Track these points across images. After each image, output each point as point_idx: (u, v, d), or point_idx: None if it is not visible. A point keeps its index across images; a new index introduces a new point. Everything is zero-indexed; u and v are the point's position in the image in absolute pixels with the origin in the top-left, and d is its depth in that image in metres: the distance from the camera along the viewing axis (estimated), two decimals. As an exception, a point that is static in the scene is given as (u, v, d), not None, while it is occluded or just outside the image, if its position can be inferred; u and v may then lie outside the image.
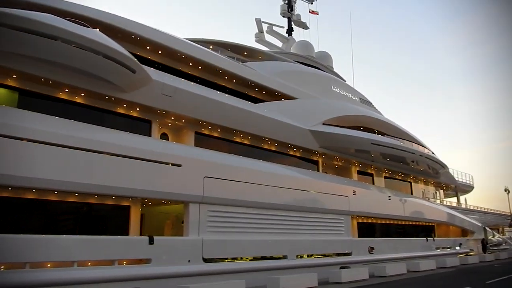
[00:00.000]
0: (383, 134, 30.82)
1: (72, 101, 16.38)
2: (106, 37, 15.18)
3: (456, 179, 45.58)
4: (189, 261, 16.40)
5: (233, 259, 18.77)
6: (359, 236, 27.24)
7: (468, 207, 50.42)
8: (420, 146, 34.92)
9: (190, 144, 20.16)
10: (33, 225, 13.91)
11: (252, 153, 22.67)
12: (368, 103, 34.41)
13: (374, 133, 30.02)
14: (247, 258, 19.44)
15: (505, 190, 50.48)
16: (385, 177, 34.55)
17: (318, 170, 27.90)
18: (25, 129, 13.07)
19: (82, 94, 16.45)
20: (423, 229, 35.19)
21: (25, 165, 12.91)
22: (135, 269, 14.89)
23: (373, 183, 32.63)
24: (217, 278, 16.30)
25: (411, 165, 34.13)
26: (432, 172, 37.87)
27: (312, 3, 39.24)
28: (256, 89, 24.07)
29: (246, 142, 23.24)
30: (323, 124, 26.38)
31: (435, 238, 35.18)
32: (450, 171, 42.76)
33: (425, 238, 33.51)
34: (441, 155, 38.39)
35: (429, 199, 39.68)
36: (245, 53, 26.77)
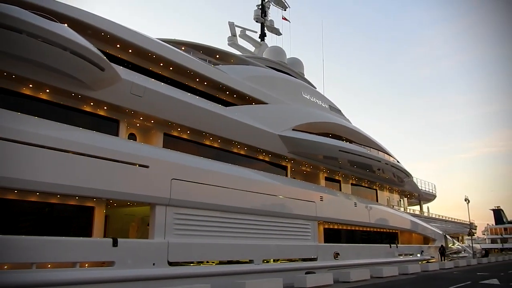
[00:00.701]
0: (351, 142, 31.34)
1: (36, 97, 15.84)
2: (74, 33, 14.79)
3: (420, 188, 46.85)
4: (153, 264, 16.10)
5: (199, 263, 18.56)
6: (325, 242, 27.48)
7: (430, 216, 51.86)
8: (386, 154, 35.72)
9: (159, 146, 19.87)
10: (-10, 224, 13.32)
11: (222, 157, 22.55)
12: (337, 110, 34.93)
13: (342, 140, 30.49)
14: (213, 262, 19.26)
15: (465, 200, 52.09)
16: (352, 184, 35.09)
17: (286, 175, 28.02)
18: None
19: (47, 91, 15.94)
20: (387, 236, 35.87)
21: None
22: (97, 271, 14.46)
23: (340, 190, 33.05)
24: (182, 282, 16.04)
25: (377, 173, 34.82)
26: (397, 180, 38.76)
27: (285, 10, 39.58)
28: (227, 93, 24.00)
29: (215, 145, 23.10)
30: (293, 129, 26.56)
31: (398, 245, 35.91)
32: (414, 180, 43.91)
33: (388, 245, 34.17)
34: (406, 165, 39.39)
35: (393, 207, 40.53)
36: (217, 56, 26.67)
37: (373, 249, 31.97)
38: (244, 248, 20.45)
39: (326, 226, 28.37)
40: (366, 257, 29.71)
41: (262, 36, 37.28)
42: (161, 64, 20.67)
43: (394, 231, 36.78)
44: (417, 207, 51.86)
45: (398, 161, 37.89)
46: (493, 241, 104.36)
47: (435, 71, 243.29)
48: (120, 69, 17.09)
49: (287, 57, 34.62)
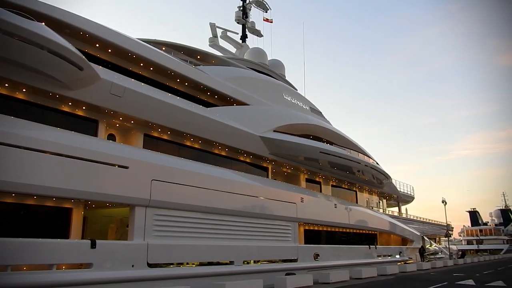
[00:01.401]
0: (331, 144, 31.57)
1: (12, 96, 15.51)
2: (52, 32, 14.52)
3: (399, 189, 47.53)
4: (133, 266, 15.91)
5: (179, 264, 18.43)
6: (305, 243, 27.60)
7: (409, 217, 52.61)
8: (366, 156, 36.12)
9: (139, 146, 19.69)
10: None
11: (202, 158, 22.44)
12: (318, 112, 35.18)
13: (323, 142, 30.68)
14: (193, 264, 19.15)
15: (443, 202, 53.06)
16: (332, 186, 35.38)
17: (267, 177, 28.07)
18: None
19: (24, 90, 15.64)
20: (366, 237, 36.23)
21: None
22: (74, 274, 14.22)
23: (321, 191, 33.28)
24: (162, 284, 15.94)
25: (357, 174, 35.19)
26: (376, 182, 39.23)
27: (266, 12, 39.72)
28: (208, 93, 23.92)
29: (196, 146, 23.00)
30: (274, 131, 26.63)
31: (377, 246, 36.31)
32: (393, 182, 44.51)
33: (368, 246, 34.52)
34: (385, 167, 39.91)
35: (372, 208, 40.99)
36: (198, 57, 26.57)
37: (352, 250, 32.24)
38: (224, 249, 20.39)
39: (307, 227, 28.50)
40: (346, 258, 29.93)
41: (244, 37, 37.34)
42: (141, 64, 20.48)
43: (373, 232, 37.19)
44: (396, 209, 52.60)
45: (377, 163, 38.36)
46: (469, 242, 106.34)
47: (414, 75, 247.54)
48: (99, 69, 16.87)
49: (269, 58, 34.77)
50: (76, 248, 14.51)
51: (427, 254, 45.67)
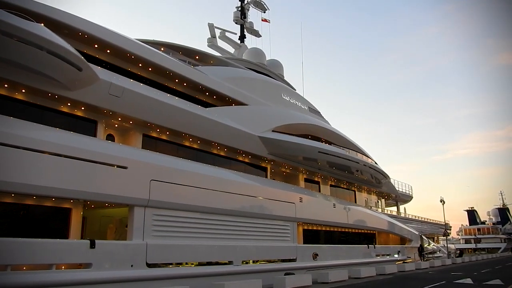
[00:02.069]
0: (330, 143, 31.63)
1: (11, 97, 15.53)
2: (51, 32, 14.54)
3: (397, 189, 47.60)
4: (132, 266, 15.94)
5: (178, 264, 18.47)
6: (304, 243, 27.65)
7: (407, 216, 52.69)
8: (364, 156, 36.17)
9: (138, 147, 19.71)
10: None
11: (201, 158, 22.49)
12: (316, 112, 35.21)
13: (322, 142, 30.73)
14: (192, 264, 19.19)
15: (441, 201, 53.19)
16: (331, 185, 35.44)
17: (266, 177, 28.11)
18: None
19: (23, 91, 15.65)
20: (365, 237, 36.31)
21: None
22: (74, 273, 14.26)
23: (319, 191, 33.32)
24: (161, 284, 15.97)
25: (355, 174, 35.22)
26: (375, 182, 39.27)
27: (264, 12, 39.73)
28: (207, 94, 23.95)
29: (195, 146, 23.03)
30: (273, 131, 26.65)
31: (375, 245, 36.38)
32: (392, 181, 44.59)
33: (366, 246, 34.59)
34: (383, 166, 39.99)
35: (371, 208, 41.06)
36: (197, 57, 26.57)
37: (351, 249, 32.31)
38: (223, 249, 20.43)
39: (306, 227, 28.55)
40: (345, 258, 30.02)
41: (242, 37, 37.34)
42: (140, 65, 20.50)
43: (372, 231, 37.26)
44: (394, 208, 52.70)
45: (376, 163, 38.42)
46: (467, 241, 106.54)
47: (412, 75, 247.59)
48: (98, 69, 16.88)
49: (267, 58, 34.78)
50: (76, 248, 14.54)
51: (426, 253, 45.76)
